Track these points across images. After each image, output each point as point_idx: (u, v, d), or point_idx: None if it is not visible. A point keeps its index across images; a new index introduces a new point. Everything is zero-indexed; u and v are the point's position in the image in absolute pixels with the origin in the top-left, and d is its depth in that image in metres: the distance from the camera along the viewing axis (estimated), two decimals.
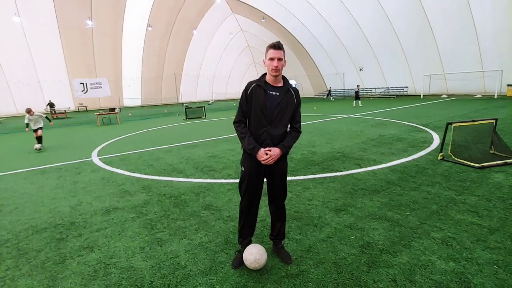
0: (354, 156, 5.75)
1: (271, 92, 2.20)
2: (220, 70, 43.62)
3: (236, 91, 45.79)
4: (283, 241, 2.56)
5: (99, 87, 25.33)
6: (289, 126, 2.34)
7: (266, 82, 2.24)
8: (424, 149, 6.07)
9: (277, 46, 2.13)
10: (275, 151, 2.17)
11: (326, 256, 2.45)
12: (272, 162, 2.18)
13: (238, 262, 2.36)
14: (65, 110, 24.52)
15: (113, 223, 3.33)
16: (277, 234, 2.52)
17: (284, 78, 2.30)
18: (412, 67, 26.56)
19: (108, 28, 30.41)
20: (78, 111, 30.88)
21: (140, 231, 3.09)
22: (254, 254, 2.26)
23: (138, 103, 38.01)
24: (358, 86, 20.28)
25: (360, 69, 31.44)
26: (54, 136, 12.12)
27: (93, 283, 2.27)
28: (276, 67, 2.12)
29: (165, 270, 2.37)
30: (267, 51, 2.18)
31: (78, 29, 28.78)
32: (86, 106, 31.81)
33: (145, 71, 36.47)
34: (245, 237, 2.45)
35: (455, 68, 22.83)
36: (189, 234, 2.96)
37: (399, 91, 28.39)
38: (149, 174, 5.28)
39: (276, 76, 2.18)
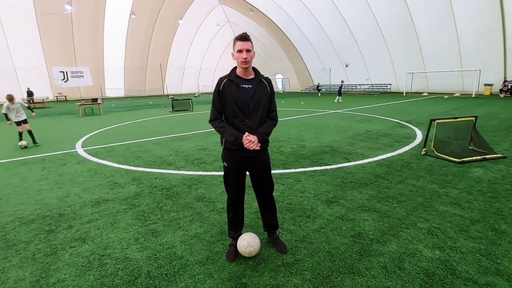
0: (342, 150, 5.90)
1: (243, 86, 2.18)
2: (207, 62, 42.91)
3: None
4: (277, 231, 2.61)
5: (81, 76, 24.34)
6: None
7: (237, 76, 2.21)
8: (408, 144, 6.31)
9: (244, 37, 2.10)
10: (254, 138, 2.15)
11: (319, 245, 2.54)
12: (254, 147, 2.13)
13: (234, 255, 2.39)
14: (43, 100, 23.43)
15: (105, 215, 3.27)
16: (270, 226, 2.56)
17: (254, 69, 2.28)
18: (395, 65, 27.23)
19: (88, 14, 29.09)
20: (57, 101, 29.58)
21: (133, 223, 3.06)
22: (247, 239, 2.33)
23: (121, 93, 36.86)
24: (342, 81, 20.60)
25: (346, 65, 31.90)
26: (34, 126, 11.57)
27: (88, 274, 2.24)
28: (245, 58, 2.09)
29: (162, 261, 2.38)
30: (234, 43, 2.14)
31: (56, 14, 27.34)
32: (65, 96, 30.52)
33: (129, 61, 35.29)
34: (236, 229, 2.48)
35: (436, 67, 23.64)
36: (184, 226, 2.97)
37: (383, 88, 29.10)
38: (138, 166, 5.19)
39: (246, 69, 2.16)
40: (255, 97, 2.19)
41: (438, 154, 5.25)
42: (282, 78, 43.17)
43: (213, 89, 2.29)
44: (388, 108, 13.97)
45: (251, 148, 2.13)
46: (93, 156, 6.09)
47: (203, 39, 39.81)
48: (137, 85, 37.84)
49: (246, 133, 2.15)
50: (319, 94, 30.20)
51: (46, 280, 2.18)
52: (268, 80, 2.32)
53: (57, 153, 6.52)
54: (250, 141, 2.12)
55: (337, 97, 19.22)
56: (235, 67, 2.25)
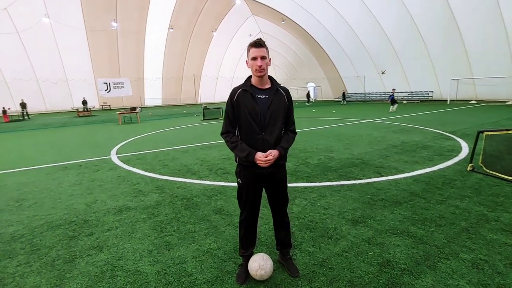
0: (374, 164, 5.48)
1: (259, 96, 2.03)
2: (239, 71, 43.86)
3: None
4: (290, 251, 2.44)
5: (121, 86, 26.22)
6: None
7: (252, 86, 2.06)
8: (451, 158, 5.69)
9: (258, 43, 1.96)
10: (275, 153, 2.00)
11: (340, 273, 2.28)
12: (270, 164, 1.99)
13: (244, 277, 2.23)
14: (90, 109, 25.52)
15: (124, 223, 3.31)
16: (283, 244, 2.39)
17: (271, 78, 2.13)
18: (438, 71, 25.39)
19: (132, 29, 31.43)
20: (103, 110, 32.07)
21: (149, 233, 3.05)
22: (258, 261, 2.16)
23: (158, 103, 39.00)
24: (393, 89, 18.77)
25: (382, 73, 30.48)
26: (78, 133, 12.58)
27: (98, 285, 2.23)
28: (260, 66, 1.94)
29: (171, 277, 2.30)
30: (248, 50, 1.99)
31: (104, 31, 29.93)
32: (109, 105, 32.96)
33: (166, 72, 37.38)
34: (247, 249, 2.32)
35: (485, 72, 21.56)
36: (198, 239, 2.88)
37: (424, 96, 27.23)
38: (163, 174, 5.28)
39: (261, 77, 2.01)
40: (272, 108, 2.04)
41: (487, 170, 4.63)
42: (314, 87, 42.48)
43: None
44: (429, 117, 12.94)
45: (265, 166, 1.99)
46: (124, 163, 6.36)
47: (236, 50, 40.87)
48: (173, 95, 39.83)
49: (268, 152, 1.99)
50: (343, 102, 28.97)
51: None
52: (286, 90, 2.17)
53: (93, 159, 6.93)
54: (264, 161, 1.96)
55: (391, 106, 17.18)
56: (250, 76, 2.12)
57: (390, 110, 16.96)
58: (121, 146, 8.65)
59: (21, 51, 27.85)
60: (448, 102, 22.94)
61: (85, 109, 25.32)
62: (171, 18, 32.15)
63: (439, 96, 26.32)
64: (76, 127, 15.38)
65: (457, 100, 23.92)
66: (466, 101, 22.80)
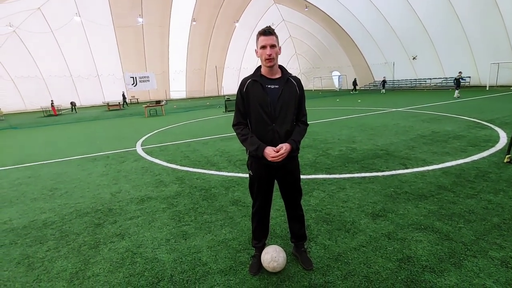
0: (399, 155, 5.21)
1: (269, 86, 1.96)
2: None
3: None
4: (305, 244, 2.41)
5: (147, 80, 27.11)
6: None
7: (262, 76, 2.00)
8: (487, 149, 5.25)
9: (267, 31, 1.88)
10: (286, 147, 1.93)
11: (356, 267, 2.20)
12: (282, 159, 1.93)
13: (257, 268, 2.22)
14: (119, 103, 26.74)
15: (145, 213, 3.45)
16: (297, 237, 2.35)
17: (281, 67, 2.05)
18: (476, 55, 23.38)
19: (156, 24, 32.15)
20: (131, 103, 33.45)
21: (168, 223, 3.15)
22: (271, 253, 2.15)
23: (183, 95, 39.90)
24: (460, 72, 17.32)
25: (414, 58, 28.67)
26: (108, 126, 13.25)
27: (119, 271, 2.35)
28: (270, 55, 1.87)
29: (186, 265, 2.36)
30: (257, 38, 1.92)
31: (131, 27, 30.91)
32: (137, 99, 34.30)
33: (190, 64, 37.98)
34: (259, 240, 2.31)
35: None
36: (214, 230, 2.92)
37: (460, 82, 25.30)
38: (184, 166, 5.41)
39: (271, 67, 1.93)
40: (282, 98, 1.97)
41: None
42: (339, 75, 41.05)
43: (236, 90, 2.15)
44: (465, 105, 12.02)
45: (278, 160, 1.93)
46: (148, 154, 6.60)
47: None
48: (197, 87, 40.50)
49: (280, 145, 1.94)
50: (383, 91, 26.58)
51: (83, 273, 2.35)
52: (297, 79, 2.09)
53: (120, 151, 7.26)
54: (275, 156, 1.91)
55: (455, 91, 16.42)
56: (260, 66, 2.06)
57: (455, 95, 16.18)
58: (146, 138, 8.98)
59: (55, 49, 29.65)
60: (487, 88, 21.16)
61: (125, 103, 26.68)
62: (194, 11, 32.39)
63: (477, 81, 24.33)
64: (106, 120, 16.20)
65: (497, 86, 21.97)
66: (507, 87, 20.87)
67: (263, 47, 1.90)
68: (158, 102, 18.37)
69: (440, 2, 22.52)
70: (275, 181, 2.23)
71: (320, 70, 42.88)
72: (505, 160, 4.43)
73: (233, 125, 2.14)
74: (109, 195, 4.13)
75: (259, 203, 2.22)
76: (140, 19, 30.26)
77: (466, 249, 2.34)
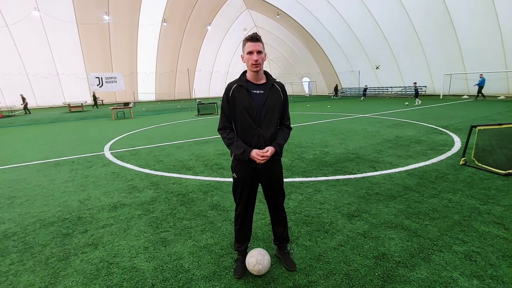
0: (369, 158, 5.52)
1: (254, 91, 2.02)
2: (234, 66, 43.56)
3: None
4: (288, 246, 2.44)
5: (114, 81, 25.84)
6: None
7: (247, 81, 2.04)
8: (444, 152, 5.76)
9: (255, 37, 1.94)
10: (272, 150, 2.00)
11: (337, 266, 2.30)
12: (266, 161, 2.00)
13: (241, 271, 2.23)
14: (81, 104, 25.10)
15: (119, 220, 3.28)
16: (281, 239, 2.39)
17: (266, 73, 2.11)
18: (432, 66, 25.57)
19: (124, 23, 30.85)
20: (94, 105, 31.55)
21: (145, 230, 3.03)
22: (256, 256, 2.16)
23: (152, 98, 38.56)
24: (415, 83, 19.51)
25: (377, 67, 30.59)
26: (70, 129, 12.39)
27: (94, 283, 2.21)
28: (256, 61, 1.93)
29: (168, 273, 2.29)
30: (244, 44, 1.98)
31: (95, 24, 29.32)
32: (102, 100, 32.44)
33: (160, 66, 36.89)
34: (242, 243, 2.33)
35: (478, 67, 21.80)
36: (195, 235, 2.87)
37: (418, 91, 27.41)
38: (158, 170, 5.24)
39: (257, 72, 1.99)
40: (267, 104, 2.03)
41: (480, 164, 4.70)
42: (309, 82, 42.45)
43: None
44: (422, 112, 13.06)
45: (262, 162, 1.99)
46: (118, 159, 6.28)
47: (230, 44, 40.52)
48: (167, 89, 39.40)
49: (266, 149, 2.00)
50: (362, 98, 25.13)
51: (53, 287, 2.17)
52: (281, 85, 2.15)
53: (86, 155, 6.83)
54: (260, 158, 1.97)
55: (416, 99, 18.29)
56: (245, 71, 2.09)
57: (416, 103, 17.86)
58: (114, 142, 8.54)
59: (11, 45, 27.15)
60: (441, 97, 23.18)
61: (95, 104, 25.06)
62: (165, 11, 31.62)
63: (432, 91, 26.55)
64: (68, 122, 15.13)
65: (450, 95, 24.18)
66: (458, 96, 23.07)
67: (250, 52, 1.94)
68: (126, 104, 17.57)
69: (401, 18, 24.35)
70: (259, 185, 2.26)
71: (291, 76, 44.02)
72: (461, 162, 4.89)
73: (219, 129, 2.15)
74: (77, 203, 3.86)
75: (242, 206, 2.24)
76: (106, 17, 28.84)
77: (433, 245, 2.55)
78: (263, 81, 2.08)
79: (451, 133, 7.74)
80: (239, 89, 2.03)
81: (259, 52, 1.94)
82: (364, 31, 28.24)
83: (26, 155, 7.07)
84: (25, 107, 23.68)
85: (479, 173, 4.40)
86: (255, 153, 1.98)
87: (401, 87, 29.16)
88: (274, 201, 2.29)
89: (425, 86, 27.01)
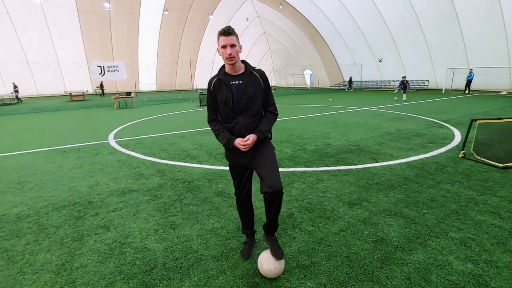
0: (370, 150, 5.61)
1: (233, 82, 2.07)
2: None
3: None
4: (276, 233, 2.29)
5: (116, 70, 25.71)
6: (263, 111, 2.22)
7: (226, 74, 2.09)
8: (444, 145, 5.85)
9: (227, 31, 1.96)
10: (253, 138, 2.04)
11: (338, 249, 2.42)
12: (249, 148, 2.05)
13: (248, 253, 2.36)
14: (83, 93, 25.08)
15: (128, 205, 3.41)
16: (268, 225, 2.18)
17: (245, 62, 2.15)
18: (434, 60, 25.41)
19: (125, 11, 30.48)
20: (96, 94, 31.50)
21: (154, 214, 3.15)
22: (265, 269, 2.08)
23: (153, 88, 38.42)
24: (403, 77, 17.13)
25: (380, 60, 30.39)
26: (73, 118, 12.46)
27: (108, 261, 2.34)
28: (230, 54, 1.96)
29: (178, 253, 2.41)
30: (218, 38, 2.00)
31: (96, 12, 28.98)
32: (96, 90, 32.33)
33: (161, 56, 36.61)
34: (249, 228, 2.45)
35: (481, 62, 21.67)
36: (202, 220, 2.99)
37: (420, 85, 27.35)
38: (163, 159, 5.35)
39: (233, 65, 2.03)
40: (247, 92, 2.06)
41: (478, 157, 4.80)
42: (311, 74, 42.21)
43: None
44: (424, 106, 13.10)
45: (246, 149, 2.06)
46: (123, 147, 6.39)
47: None
48: (168, 80, 39.21)
49: (247, 137, 2.05)
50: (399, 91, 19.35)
51: (70, 264, 2.31)
52: (261, 72, 2.17)
53: (91, 143, 6.93)
54: (243, 145, 2.03)
55: (403, 94, 16.64)
56: (224, 65, 2.13)
57: (404, 98, 16.34)
58: (118, 130, 8.63)
59: (11, 32, 26.92)
60: (443, 91, 23.13)
61: (102, 93, 25.04)
62: (166, 0, 31.20)
63: (434, 85, 26.46)
64: (71, 111, 15.19)
65: (452, 90, 24.11)
66: (461, 91, 23.01)
67: (224, 46, 1.98)
68: (128, 93, 17.58)
69: (405, 10, 24.06)
70: (254, 172, 2.25)
71: (293, 67, 43.74)
72: (460, 155, 4.99)
73: (208, 122, 2.27)
74: (86, 188, 3.98)
75: (240, 189, 2.32)
76: (107, 5, 28.47)
77: (430, 231, 2.67)
78: (241, 71, 2.11)
79: (451, 127, 7.82)
80: (218, 83, 2.10)
81: (232, 46, 1.97)
82: (368, 23, 27.94)
83: (31, 142, 7.17)
84: (16, 96, 23.57)
85: (478, 166, 4.51)
86: (237, 142, 2.06)
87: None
88: (269, 179, 2.00)
89: (428, 80, 26.91)
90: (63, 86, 31.30)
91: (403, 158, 5.02)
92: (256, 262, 2.28)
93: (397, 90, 19.37)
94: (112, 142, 6.95)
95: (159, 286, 2.04)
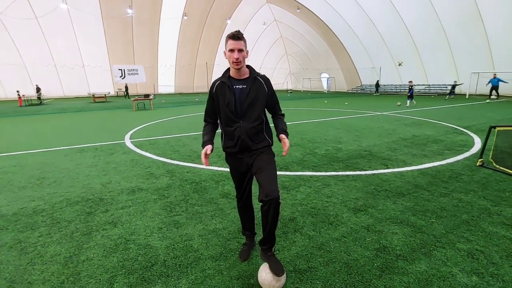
0: (381, 156, 5.49)
1: (237, 86, 2.09)
2: (252, 60, 43.49)
3: None
4: (273, 249, 2.15)
5: (136, 73, 26.61)
6: (272, 116, 2.31)
7: (230, 77, 2.12)
8: (462, 153, 5.62)
9: (236, 36, 1.98)
10: (287, 142, 2.11)
11: (337, 255, 2.39)
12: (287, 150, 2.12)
13: (246, 254, 2.38)
14: (105, 95, 26.12)
15: (137, 203, 3.52)
16: (264, 239, 2.08)
17: (249, 67, 2.17)
18: (458, 64, 24.42)
19: (146, 16, 31.55)
20: (117, 96, 32.73)
21: (160, 212, 3.24)
22: (268, 282, 1.98)
23: (171, 90, 39.38)
24: (410, 82, 16.58)
25: (399, 64, 29.59)
26: (94, 118, 13.01)
27: (113, 256, 2.44)
28: (237, 59, 1.98)
29: (178, 251, 2.48)
30: (226, 41, 2.02)
31: (119, 18, 30.20)
32: (124, 91, 33.54)
33: (179, 59, 37.51)
34: (249, 230, 2.50)
35: (508, 66, 20.59)
36: (205, 220, 3.05)
37: (442, 89, 26.35)
38: (174, 159, 5.48)
39: (239, 69, 2.05)
40: (250, 97, 2.09)
41: (497, 166, 4.58)
42: (328, 78, 41.74)
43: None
44: (445, 111, 12.62)
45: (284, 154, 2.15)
46: (137, 147, 6.61)
47: (249, 38, 40.10)
48: (186, 82, 40.05)
49: (204, 151, 2.14)
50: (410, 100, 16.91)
51: (77, 257, 2.42)
52: (265, 78, 2.20)
53: (108, 143, 7.22)
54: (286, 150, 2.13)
55: (408, 100, 15.78)
56: (229, 68, 2.16)
57: (408, 104, 15.61)
58: (134, 131, 8.93)
59: (40, 36, 28.57)
60: (467, 96, 22.17)
61: (127, 94, 26.01)
62: (185, 5, 32.01)
63: (458, 90, 25.38)
64: (92, 112, 15.86)
65: (476, 95, 23.06)
66: (486, 96, 21.94)
67: (231, 50, 2.00)
68: (146, 95, 18.13)
69: (426, 11, 23.35)
70: (253, 177, 2.24)
71: (309, 71, 43.45)
72: (478, 164, 4.78)
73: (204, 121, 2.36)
74: (99, 186, 4.16)
75: (241, 194, 2.38)
76: (129, 11, 29.62)
77: (436, 241, 2.58)
78: (246, 76, 2.14)
79: (472, 134, 7.49)
80: (222, 86, 2.12)
81: (240, 51, 1.99)
82: (387, 25, 27.33)
83: (54, 141, 7.57)
84: (39, 97, 24.79)
85: (496, 175, 4.29)
86: (203, 151, 2.14)
87: (424, 85, 28.08)
88: (266, 186, 1.97)
89: (450, 85, 25.86)
90: (87, 88, 32.78)
91: (416, 165, 4.87)
92: (253, 264, 2.30)
93: (448, 96, 18.68)
94: (128, 142, 7.20)
95: (157, 282, 2.10)
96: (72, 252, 2.50)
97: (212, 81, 2.24)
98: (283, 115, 2.33)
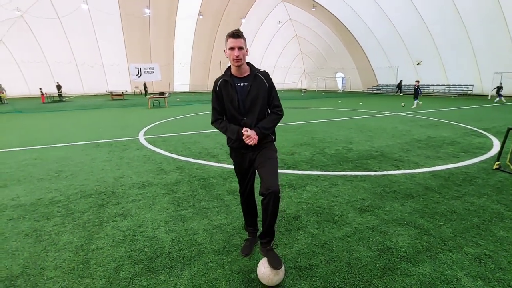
0: (393, 157, 5.38)
1: (238, 84, 2.12)
2: (266, 59, 43.45)
3: (280, 81, 45.36)
4: (272, 243, 2.22)
5: (151, 71, 27.11)
6: (268, 111, 2.26)
7: (231, 75, 2.15)
8: (479, 155, 5.42)
9: (236, 34, 2.01)
10: (252, 132, 2.09)
11: (339, 254, 2.39)
12: (254, 143, 2.07)
13: (248, 250, 2.42)
14: (122, 92, 26.87)
15: (146, 197, 3.64)
16: (264, 233, 2.15)
17: (250, 64, 2.18)
18: (480, 63, 23.45)
19: (163, 16, 32.15)
20: (134, 94, 33.59)
21: (167, 207, 3.34)
22: (267, 276, 2.02)
23: (186, 89, 39.97)
24: (417, 81, 16.26)
25: (418, 63, 28.73)
26: (111, 115, 13.43)
27: (121, 246, 2.54)
28: (237, 56, 2.00)
29: (183, 244, 2.55)
30: (226, 40, 2.04)
31: (137, 17, 30.93)
32: (141, 90, 34.36)
33: (194, 58, 38.00)
34: (252, 226, 2.53)
35: None
36: (210, 215, 3.11)
37: (463, 90, 25.39)
38: (185, 156, 5.60)
39: (239, 67, 2.07)
40: (251, 94, 2.13)
41: None
42: (343, 77, 41.10)
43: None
44: (464, 113, 12.17)
45: (250, 143, 2.07)
46: (150, 144, 6.78)
47: (264, 37, 40.41)
48: (200, 81, 40.53)
49: (244, 128, 2.10)
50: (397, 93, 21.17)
51: (88, 246, 2.54)
52: (265, 74, 2.21)
53: (123, 139, 7.45)
54: (247, 136, 2.07)
55: (415, 101, 15.32)
56: (230, 66, 2.19)
57: (415, 105, 15.09)
58: (148, 128, 9.16)
59: (62, 35, 29.72)
60: (489, 98, 21.24)
61: (146, 92, 26.67)
62: (201, 5, 32.39)
63: (479, 91, 24.40)
64: (110, 109, 16.37)
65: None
66: (510, 97, 20.97)
67: (232, 48, 2.03)
68: (161, 94, 18.52)
69: (447, 9, 22.56)
70: (256, 172, 2.32)
71: (324, 70, 42.94)
72: (494, 167, 4.60)
73: (212, 123, 2.30)
74: (112, 179, 4.32)
75: (243, 189, 2.42)
76: (147, 10, 30.28)
77: (443, 244, 2.53)
78: (247, 73, 2.17)
79: (491, 136, 7.20)
80: (224, 84, 2.16)
81: (240, 48, 2.01)
82: (405, 24, 26.60)
83: (73, 136, 7.89)
84: (59, 95, 25.69)
85: None
86: (241, 131, 2.10)
87: (444, 85, 27.16)
88: (267, 181, 2.03)
89: (472, 85, 24.92)
90: (105, 86, 33.82)
91: (428, 167, 4.75)
92: (254, 259, 2.33)
93: (498, 98, 17.99)
94: (141, 139, 7.40)
95: (161, 272, 2.18)
96: (83, 241, 2.62)
97: (215, 79, 2.26)
98: (277, 113, 2.22)
